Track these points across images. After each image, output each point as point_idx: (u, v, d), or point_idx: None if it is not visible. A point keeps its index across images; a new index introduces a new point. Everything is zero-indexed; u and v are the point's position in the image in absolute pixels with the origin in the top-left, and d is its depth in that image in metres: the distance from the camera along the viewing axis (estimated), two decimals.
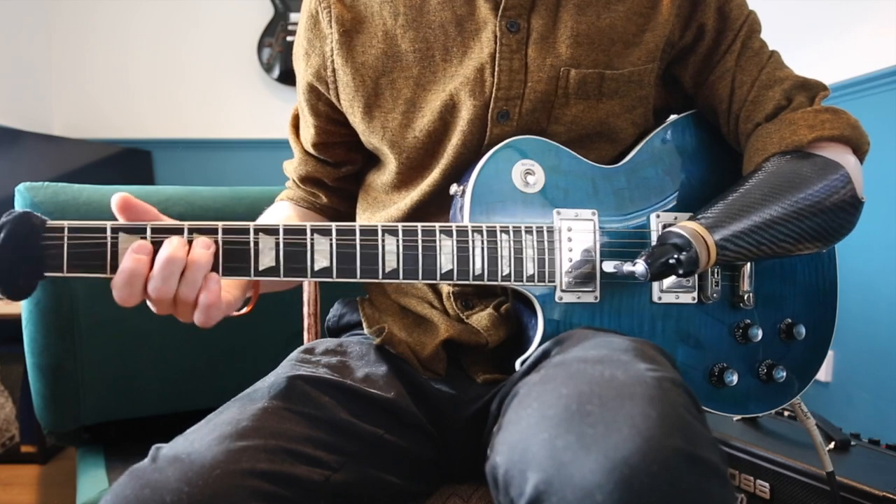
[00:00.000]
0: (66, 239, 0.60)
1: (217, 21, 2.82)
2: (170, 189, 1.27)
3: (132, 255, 0.61)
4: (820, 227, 0.74)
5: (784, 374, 0.81)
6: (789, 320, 0.82)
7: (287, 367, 0.77)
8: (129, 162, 2.70)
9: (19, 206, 1.12)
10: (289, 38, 2.75)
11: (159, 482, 0.57)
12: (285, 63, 2.74)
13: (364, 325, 0.90)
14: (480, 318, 0.79)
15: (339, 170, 0.94)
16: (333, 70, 0.83)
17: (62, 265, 0.60)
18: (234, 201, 1.30)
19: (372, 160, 0.92)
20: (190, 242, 0.64)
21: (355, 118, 0.85)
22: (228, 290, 0.71)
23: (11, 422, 2.09)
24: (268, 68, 2.78)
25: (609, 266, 0.73)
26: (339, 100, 0.85)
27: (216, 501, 0.56)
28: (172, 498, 0.55)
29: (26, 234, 0.59)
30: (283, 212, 0.97)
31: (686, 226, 0.70)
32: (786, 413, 1.26)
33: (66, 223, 0.61)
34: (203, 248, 0.63)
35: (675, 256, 0.69)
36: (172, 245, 0.62)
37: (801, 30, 1.93)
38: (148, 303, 0.65)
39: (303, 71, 0.87)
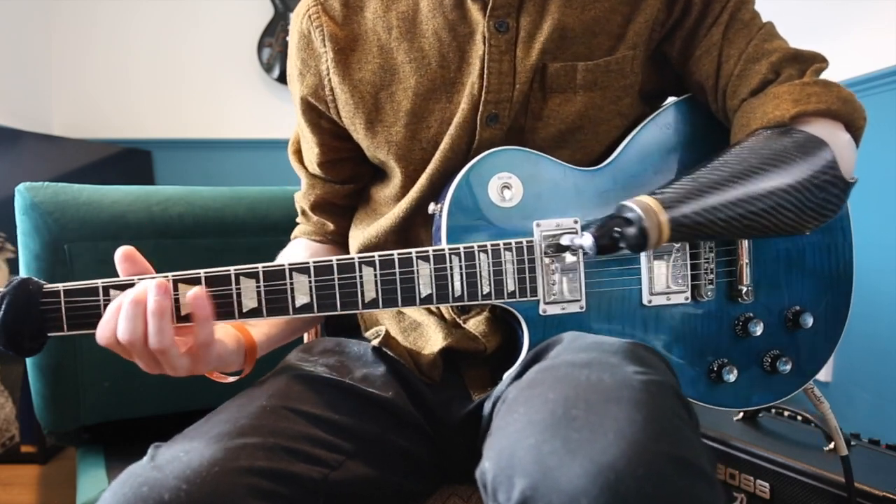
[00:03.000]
0: (62, 302, 0.63)
1: (217, 21, 2.82)
2: (170, 189, 1.27)
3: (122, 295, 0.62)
4: (796, 206, 0.69)
5: (789, 366, 0.79)
6: (797, 308, 0.80)
7: (285, 367, 0.77)
8: (129, 162, 2.70)
9: (19, 206, 1.12)
10: (289, 38, 2.74)
11: (157, 480, 0.57)
12: (285, 63, 2.73)
13: (362, 327, 0.90)
14: (477, 323, 0.79)
15: (347, 187, 0.92)
16: (331, 89, 0.82)
17: (62, 326, 0.64)
18: (234, 201, 1.30)
19: (377, 174, 0.91)
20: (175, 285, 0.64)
21: (358, 135, 0.83)
22: (221, 342, 0.70)
23: (11, 422, 2.09)
24: (268, 68, 2.78)
25: (565, 239, 0.71)
26: (339, 117, 0.84)
27: (214, 499, 0.56)
28: (171, 496, 0.55)
29: (25, 302, 0.62)
30: (298, 251, 0.96)
31: (640, 200, 0.66)
32: (786, 413, 1.26)
33: (61, 286, 0.63)
34: (157, 296, 0.62)
35: (622, 232, 0.65)
36: (137, 289, 0.62)
37: (800, 30, 1.93)
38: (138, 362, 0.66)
39: (299, 91, 0.86)
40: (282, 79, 2.77)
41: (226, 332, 0.72)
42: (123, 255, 0.65)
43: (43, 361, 1.14)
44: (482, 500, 0.77)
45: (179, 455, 0.60)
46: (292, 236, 0.99)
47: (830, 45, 1.88)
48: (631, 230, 0.65)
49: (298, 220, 0.99)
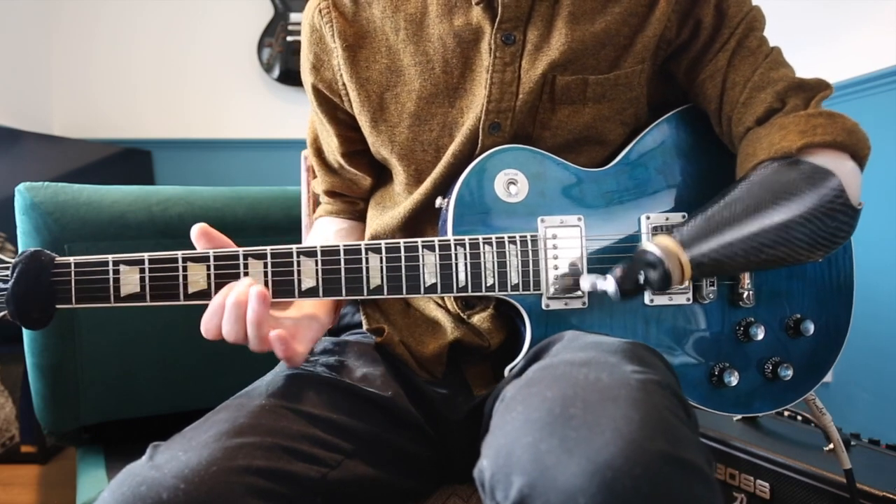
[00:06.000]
0: (73, 274, 0.65)
1: (217, 21, 2.82)
2: (169, 189, 1.27)
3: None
4: (808, 236, 0.70)
5: (790, 372, 0.79)
6: (797, 316, 0.81)
7: (285, 366, 0.77)
8: (129, 162, 2.70)
9: (19, 206, 1.12)
10: (289, 38, 2.75)
11: (156, 479, 0.57)
12: (285, 63, 2.74)
13: (364, 323, 0.91)
14: (482, 319, 0.79)
15: (365, 186, 0.94)
16: (344, 84, 0.84)
17: (71, 298, 0.66)
18: (234, 201, 1.30)
19: (384, 169, 0.92)
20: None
21: (365, 130, 0.85)
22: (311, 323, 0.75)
23: (11, 422, 2.09)
24: (268, 68, 2.77)
25: (585, 284, 0.72)
26: (353, 111, 0.85)
27: (212, 498, 0.56)
28: (169, 495, 0.56)
29: (37, 272, 0.65)
30: (328, 229, 0.98)
31: (660, 242, 0.68)
32: (786, 413, 1.26)
33: (72, 259, 0.66)
34: (256, 305, 0.66)
35: (646, 275, 0.67)
36: (239, 291, 0.66)
37: (800, 31, 1.93)
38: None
39: (314, 83, 0.87)
40: (282, 79, 2.77)
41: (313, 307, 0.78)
42: (199, 232, 0.68)
43: (43, 361, 1.14)
44: (482, 501, 0.78)
45: (178, 454, 0.60)
46: (315, 216, 1.01)
47: (830, 45, 1.88)
48: (654, 273, 0.67)
49: (324, 201, 1.00)
